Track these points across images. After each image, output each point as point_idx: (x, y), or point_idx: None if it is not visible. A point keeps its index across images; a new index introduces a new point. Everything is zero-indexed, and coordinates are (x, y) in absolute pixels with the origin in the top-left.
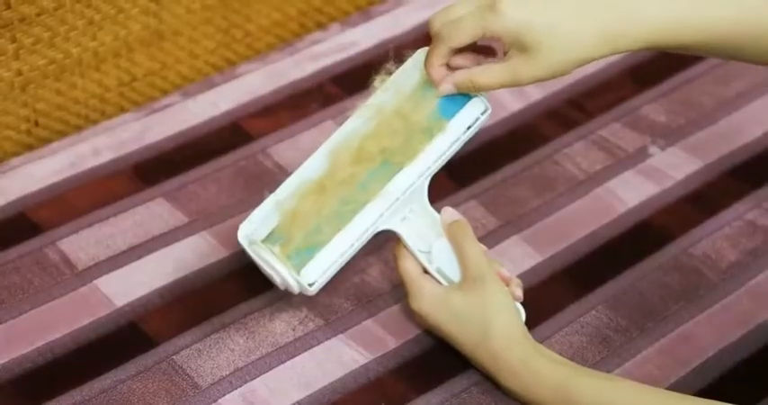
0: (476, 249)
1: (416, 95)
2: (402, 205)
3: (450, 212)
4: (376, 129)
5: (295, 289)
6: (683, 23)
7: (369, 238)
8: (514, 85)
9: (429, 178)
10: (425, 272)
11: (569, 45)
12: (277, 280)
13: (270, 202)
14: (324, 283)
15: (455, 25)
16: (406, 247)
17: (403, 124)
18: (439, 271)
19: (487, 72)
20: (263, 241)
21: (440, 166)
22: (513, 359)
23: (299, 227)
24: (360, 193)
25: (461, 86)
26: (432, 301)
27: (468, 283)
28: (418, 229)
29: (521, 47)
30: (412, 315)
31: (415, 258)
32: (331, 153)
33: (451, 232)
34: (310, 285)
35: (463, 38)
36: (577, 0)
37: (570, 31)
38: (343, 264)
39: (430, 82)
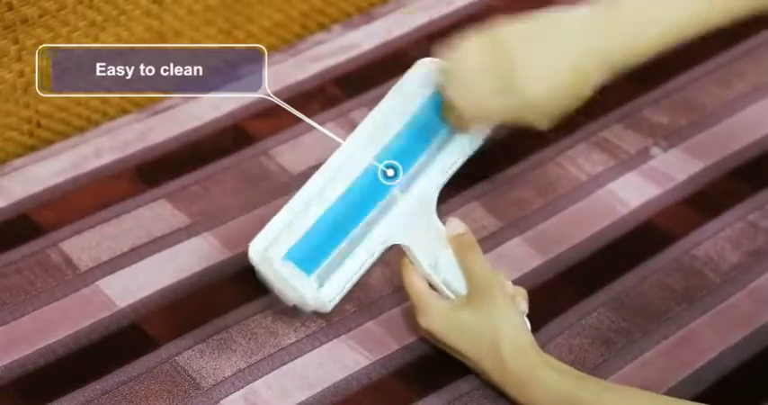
0: (481, 263)
1: (424, 107)
2: (411, 218)
3: (455, 224)
4: (383, 140)
5: (311, 308)
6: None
7: (380, 254)
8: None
9: (439, 190)
10: (431, 285)
11: (580, 94)
12: (292, 297)
13: (280, 219)
14: (339, 301)
15: (483, 112)
16: (411, 258)
17: (410, 135)
18: (445, 282)
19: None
20: (280, 258)
21: (449, 177)
22: (520, 370)
23: (311, 241)
24: (368, 204)
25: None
26: (439, 317)
27: (475, 297)
28: (424, 242)
29: None
30: (419, 330)
31: (421, 270)
32: (340, 164)
33: (457, 245)
34: (330, 301)
35: (490, 123)
36: (570, 53)
37: (578, 84)
38: (358, 279)
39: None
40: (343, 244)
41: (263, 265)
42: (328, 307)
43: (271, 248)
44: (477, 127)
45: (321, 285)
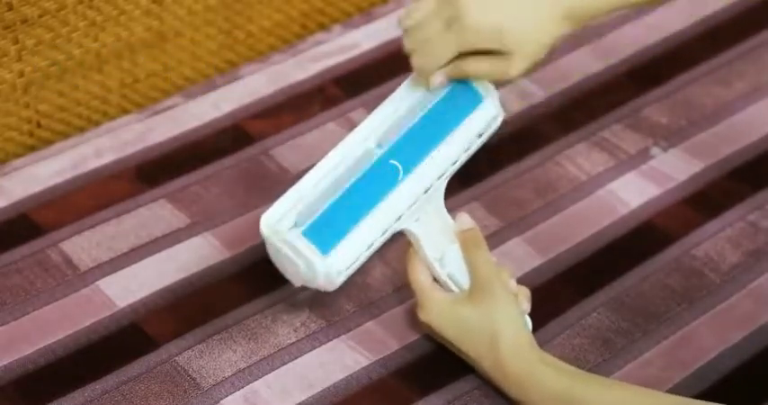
0: (486, 260)
1: (432, 96)
2: (420, 206)
3: (464, 219)
4: (392, 129)
5: (320, 279)
6: None
7: (388, 237)
8: (502, 79)
9: (447, 180)
10: (435, 279)
11: (539, 35)
12: (302, 269)
13: (292, 194)
14: (346, 278)
15: (429, 53)
16: (417, 250)
17: (420, 125)
18: (450, 276)
19: (476, 63)
20: (290, 229)
21: (458, 168)
22: (519, 369)
23: (321, 217)
24: (379, 186)
25: (452, 75)
26: (440, 313)
27: (477, 293)
28: (432, 233)
29: (498, 51)
30: (420, 325)
31: (426, 263)
32: (350, 149)
33: (463, 241)
34: (339, 274)
35: (441, 63)
36: None
37: (537, 22)
38: (364, 261)
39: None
40: (355, 219)
41: (273, 236)
42: (337, 281)
43: (282, 221)
44: (439, 79)
45: (331, 256)
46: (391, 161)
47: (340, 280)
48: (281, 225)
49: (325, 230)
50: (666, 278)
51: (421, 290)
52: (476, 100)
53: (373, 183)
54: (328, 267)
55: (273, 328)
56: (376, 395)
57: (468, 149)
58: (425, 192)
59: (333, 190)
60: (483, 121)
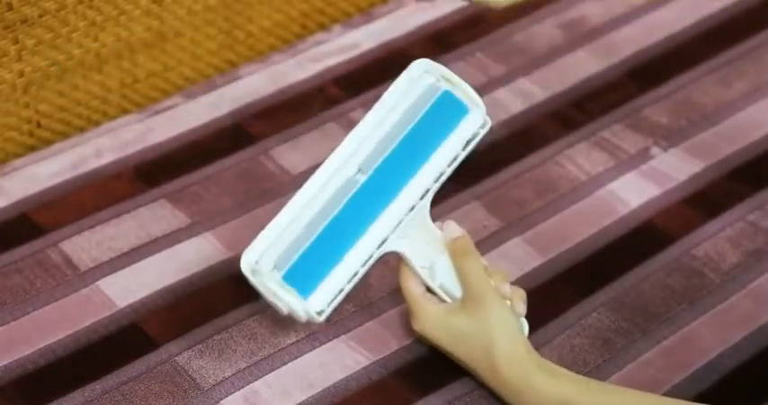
0: (477, 268)
1: (413, 111)
2: (405, 225)
3: (452, 228)
4: (373, 150)
5: (303, 319)
6: None
7: (373, 262)
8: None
9: (432, 195)
10: (428, 289)
11: None
12: (283, 309)
13: (272, 228)
14: (331, 312)
15: None
16: (407, 263)
17: (401, 141)
18: (442, 287)
19: None
20: (270, 270)
21: (440, 184)
22: (515, 377)
23: (302, 252)
24: (361, 213)
25: None
26: (434, 323)
27: (469, 302)
28: (420, 246)
29: None
30: (414, 334)
31: (418, 275)
32: (330, 175)
33: (453, 249)
34: (319, 314)
35: None
36: None
37: None
38: (350, 290)
39: (427, 96)
40: (336, 253)
41: (253, 277)
42: (319, 318)
43: (261, 260)
44: None
45: (311, 297)
46: (372, 188)
47: (322, 318)
48: (261, 266)
49: (305, 270)
50: (666, 278)
51: (414, 300)
52: (460, 112)
53: (355, 212)
54: (309, 309)
55: (273, 328)
56: (376, 395)
57: (452, 163)
58: (408, 213)
59: (313, 223)
60: (468, 133)
